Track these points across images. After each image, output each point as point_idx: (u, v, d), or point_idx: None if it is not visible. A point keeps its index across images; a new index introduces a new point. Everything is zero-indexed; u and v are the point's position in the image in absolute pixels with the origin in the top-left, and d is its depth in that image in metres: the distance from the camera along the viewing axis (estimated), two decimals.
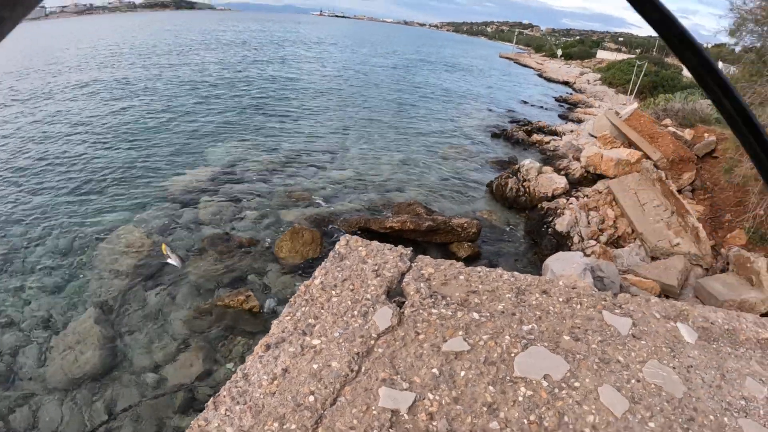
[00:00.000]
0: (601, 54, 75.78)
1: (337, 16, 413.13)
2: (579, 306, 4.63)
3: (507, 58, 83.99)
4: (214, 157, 14.37)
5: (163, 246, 8.39)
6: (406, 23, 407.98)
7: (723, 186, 10.19)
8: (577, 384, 3.71)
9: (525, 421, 3.18)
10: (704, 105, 16.92)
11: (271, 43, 59.01)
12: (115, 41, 50.16)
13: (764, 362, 5.09)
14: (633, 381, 3.97)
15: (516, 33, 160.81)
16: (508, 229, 11.22)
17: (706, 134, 12.92)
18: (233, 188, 12.08)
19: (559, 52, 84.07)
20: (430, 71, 45.66)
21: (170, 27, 78.98)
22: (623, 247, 9.17)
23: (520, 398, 3.36)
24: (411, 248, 4.83)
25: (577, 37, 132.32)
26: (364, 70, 39.54)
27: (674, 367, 4.35)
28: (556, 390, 3.57)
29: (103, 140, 15.48)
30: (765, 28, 9.40)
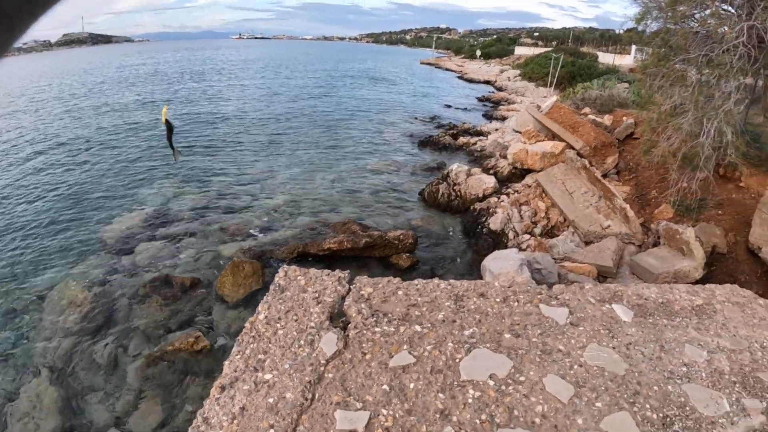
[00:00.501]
0: (519, 50, 78.25)
1: (256, 37, 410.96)
2: (516, 303, 4.79)
3: (428, 63, 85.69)
4: (146, 199, 14.06)
5: (165, 109, 8.45)
6: (325, 38, 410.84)
7: (645, 165, 10.73)
8: (522, 378, 3.85)
9: (477, 421, 3.32)
10: (620, 90, 17.79)
11: (191, 72, 58.05)
12: (29, 84, 48.11)
13: (701, 328, 5.38)
14: (576, 367, 4.13)
15: (435, 38, 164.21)
16: (444, 234, 11.43)
17: (624, 117, 13.58)
18: (169, 229, 11.90)
19: (478, 52, 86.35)
20: (353, 86, 46.05)
21: (87, 65, 76.14)
22: (557, 236, 9.52)
23: (470, 400, 3.49)
24: (348, 271, 4.90)
25: (494, 36, 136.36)
26: (287, 92, 39.48)
27: (614, 347, 4.55)
28: (503, 387, 3.70)
29: (25, 194, 14.79)
30: (669, 14, 9.97)
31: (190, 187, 15.03)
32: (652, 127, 10.00)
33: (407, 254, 10.17)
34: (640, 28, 11.05)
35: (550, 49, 60.81)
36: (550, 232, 9.80)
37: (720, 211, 9.16)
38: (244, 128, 24.21)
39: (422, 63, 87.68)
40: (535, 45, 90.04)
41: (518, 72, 48.05)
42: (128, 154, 19.35)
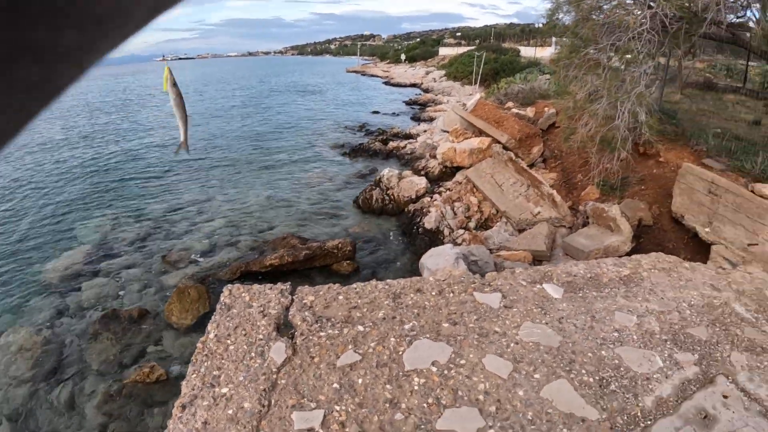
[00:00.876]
0: (443, 51, 79.81)
1: (180, 58, 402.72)
2: (452, 294, 5.06)
3: (354, 71, 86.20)
4: (83, 236, 13.73)
5: (167, 72, 5.54)
6: (250, 54, 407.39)
7: (569, 151, 11.29)
8: (462, 361, 4.11)
9: (425, 405, 3.60)
10: (542, 82, 18.53)
11: (114, 101, 56.15)
12: None
13: (629, 295, 5.78)
14: (512, 345, 4.41)
15: (359, 45, 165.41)
16: (382, 238, 11.70)
17: (546, 108, 14.23)
18: (111, 263, 11.73)
19: (403, 56, 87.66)
20: (281, 100, 45.90)
21: None
22: (491, 227, 9.92)
23: (416, 387, 3.76)
24: (289, 283, 5.11)
25: (418, 39, 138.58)
26: (215, 114, 38.91)
27: (547, 323, 4.85)
28: (446, 371, 3.97)
29: None
30: (580, 5, 10.55)
31: (127, 220, 14.80)
32: (569, 115, 10.57)
33: (348, 261, 10.41)
34: (538, 23, 11.67)
35: (473, 47, 62.26)
36: (485, 225, 10.20)
37: (643, 187, 9.79)
38: (176, 155, 23.84)
39: (348, 71, 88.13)
40: (459, 45, 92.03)
41: (443, 72, 49.08)
42: (59, 192, 18.69)
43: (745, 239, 8.06)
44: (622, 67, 9.55)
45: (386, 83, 58.03)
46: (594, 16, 10.23)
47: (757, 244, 7.93)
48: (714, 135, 10.32)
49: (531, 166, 11.78)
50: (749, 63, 20.70)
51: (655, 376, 4.53)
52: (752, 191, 8.18)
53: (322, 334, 4.23)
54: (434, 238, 10.18)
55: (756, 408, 4.55)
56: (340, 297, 4.82)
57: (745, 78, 20.88)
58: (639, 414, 4.03)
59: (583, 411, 3.85)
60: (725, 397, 4.54)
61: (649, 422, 3.99)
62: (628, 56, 9.50)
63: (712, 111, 13.73)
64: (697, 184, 8.67)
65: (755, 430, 4.25)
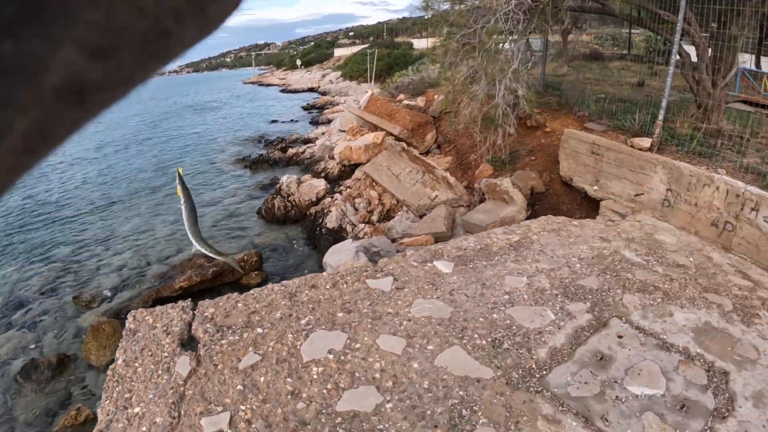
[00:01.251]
0: (338, 52, 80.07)
1: None
2: (345, 285, 5.26)
3: (251, 82, 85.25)
4: None
5: (179, 171, 5.21)
6: None
7: (461, 134, 11.75)
8: (358, 345, 4.30)
9: (325, 391, 3.81)
10: (431, 71, 19.03)
11: None
12: None
13: (519, 259, 6.12)
14: (405, 322, 4.62)
15: (254, 55, 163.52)
16: (288, 244, 11.85)
17: (436, 96, 14.69)
18: (24, 314, 11.29)
19: (299, 62, 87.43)
20: (179, 122, 44.65)
21: None
22: (394, 218, 10.21)
23: (315, 376, 3.96)
24: (190, 299, 5.18)
25: (312, 43, 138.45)
26: (111, 144, 37.36)
27: (438, 297, 5.09)
28: (342, 357, 4.16)
29: None
30: None
31: (32, 267, 14.20)
32: (451, 100, 11.03)
33: (256, 272, 10.56)
34: (426, 15, 12.09)
35: (366, 45, 62.89)
36: (387, 216, 10.51)
37: (533, 157, 10.35)
38: (75, 191, 22.87)
39: (245, 83, 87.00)
40: (353, 44, 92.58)
41: (339, 73, 49.40)
42: None
43: (631, 191, 8.66)
44: (500, 47, 10.03)
45: (283, 91, 57.84)
46: (463, 5, 10.69)
47: (643, 194, 8.54)
48: (596, 100, 10.99)
49: (427, 153, 12.19)
50: (632, 30, 22.09)
51: (547, 329, 4.86)
52: (631, 146, 8.80)
53: (223, 341, 4.36)
54: (337, 236, 10.37)
55: (652, 342, 4.96)
56: (239, 305, 4.94)
57: (629, 45, 22.26)
58: (534, 366, 4.32)
59: (478, 372, 4.10)
60: (620, 337, 4.92)
61: (544, 372, 4.29)
62: (501, 36, 9.99)
63: (597, 79, 14.59)
64: (580, 147, 9.24)
65: (653, 361, 4.64)
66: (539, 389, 4.05)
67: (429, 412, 3.68)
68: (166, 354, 4.36)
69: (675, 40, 8.42)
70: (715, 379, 4.49)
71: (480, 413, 3.75)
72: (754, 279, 6.73)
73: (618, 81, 14.26)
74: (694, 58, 9.58)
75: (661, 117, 8.73)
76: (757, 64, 16.84)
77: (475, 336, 4.50)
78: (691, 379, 4.44)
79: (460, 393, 3.88)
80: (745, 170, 8.03)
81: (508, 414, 3.77)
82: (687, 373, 4.50)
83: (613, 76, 15.48)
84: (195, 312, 4.93)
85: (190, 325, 4.72)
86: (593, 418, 3.85)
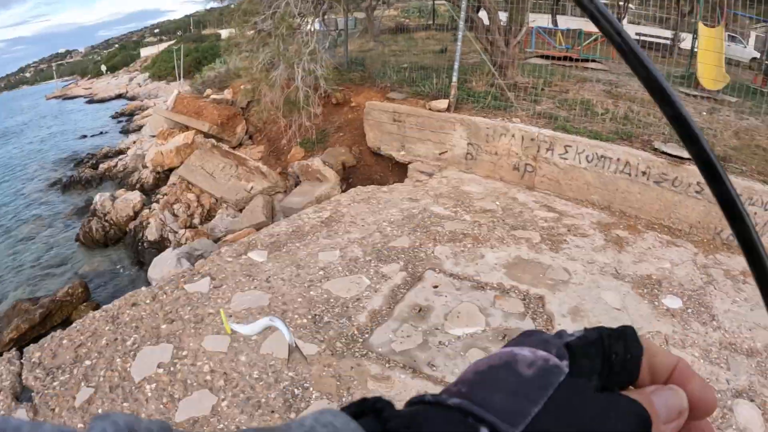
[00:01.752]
0: (145, 52, 76.14)
1: None
2: (165, 296, 5.27)
3: (55, 97, 78.65)
4: None
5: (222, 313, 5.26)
6: None
7: (268, 121, 11.92)
8: (185, 353, 4.37)
9: (161, 406, 3.84)
10: (236, 61, 18.87)
11: None
12: None
13: (331, 234, 6.43)
14: (229, 318, 4.75)
15: (56, 66, 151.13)
16: (113, 267, 11.27)
17: (242, 86, 14.66)
18: None
19: (104, 67, 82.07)
20: None
21: None
22: (215, 217, 10.22)
23: (150, 394, 3.99)
24: (14, 349, 4.93)
25: (117, 45, 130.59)
26: None
27: (255, 287, 5.27)
28: (172, 368, 4.22)
29: None
30: None
31: None
32: (251, 90, 11.17)
33: (84, 304, 9.97)
34: (221, 3, 12.00)
35: (173, 42, 60.57)
36: (209, 216, 10.46)
37: (341, 133, 10.78)
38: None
39: (49, 98, 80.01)
40: (160, 41, 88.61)
41: (147, 75, 47.30)
42: None
43: (436, 150, 9.33)
44: (285, 31, 10.24)
45: (90, 101, 54.04)
46: None
47: (446, 151, 9.23)
48: (398, 70, 11.58)
49: (239, 145, 12.24)
50: (436, 2, 23.36)
51: (365, 294, 5.21)
52: (429, 109, 9.45)
53: (55, 383, 4.21)
54: (161, 247, 10.11)
55: (467, 285, 5.47)
56: (65, 341, 4.78)
57: (434, 15, 23.49)
58: (356, 332, 4.64)
59: (303, 350, 4.36)
60: (435, 287, 5.38)
61: (367, 335, 4.62)
62: (294, 20, 10.22)
63: (402, 50, 15.32)
64: (382, 117, 9.77)
65: (470, 302, 5.13)
66: (364, 353, 4.37)
67: (264, 400, 3.86)
68: (2, 413, 4.16)
69: (462, 6, 9.12)
70: (531, 305, 5.09)
71: (311, 388, 3.99)
72: (559, 210, 7.62)
73: (422, 50, 15.11)
74: (487, 22, 10.44)
75: (455, 79, 9.44)
76: (554, 22, 18.82)
77: (296, 316, 4.74)
78: (508, 310, 5.00)
79: (290, 374, 4.10)
80: (538, 116, 9.00)
81: (338, 383, 4.04)
82: (504, 306, 5.06)
83: (418, 46, 16.36)
84: (22, 360, 4.73)
85: (20, 375, 4.53)
86: (420, 366, 4.20)
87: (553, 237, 6.65)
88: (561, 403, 0.39)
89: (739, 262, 6.76)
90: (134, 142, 20.17)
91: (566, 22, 17.80)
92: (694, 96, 11.51)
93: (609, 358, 0.44)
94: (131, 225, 11.58)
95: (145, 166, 14.28)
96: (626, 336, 0.46)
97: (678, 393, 0.45)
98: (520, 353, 0.42)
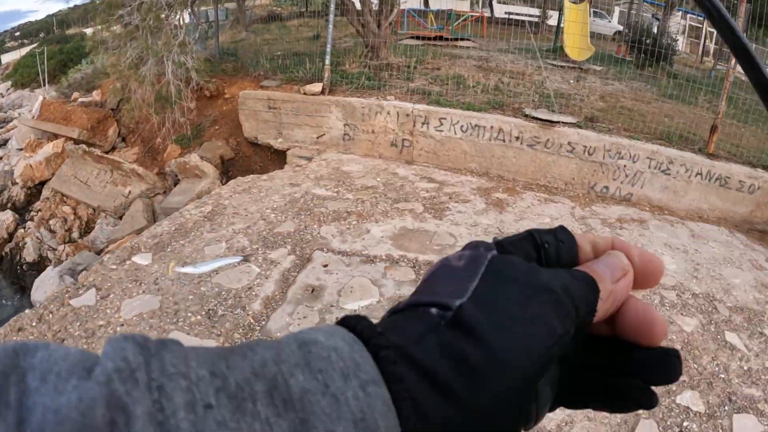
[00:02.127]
0: (6, 57, 70.86)
1: None
2: (51, 315, 5.01)
3: None
4: None
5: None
6: None
7: (141, 120, 11.66)
8: None
9: None
10: (104, 60, 18.13)
11: None
12: None
13: (215, 227, 6.48)
14: (118, 328, 4.55)
15: None
16: None
17: (111, 85, 14.15)
18: None
19: None
20: None
21: None
22: (94, 228, 9.93)
23: None
24: None
25: None
26: None
27: (144, 291, 5.20)
28: None
29: None
30: None
31: None
32: (120, 88, 10.88)
33: None
34: None
35: (36, 45, 57.06)
36: (88, 228, 10.12)
37: (217, 126, 10.72)
38: None
39: None
40: (22, 45, 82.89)
41: (10, 83, 44.43)
42: None
43: (313, 134, 9.48)
44: (153, 23, 10.01)
45: None
46: None
47: (324, 134, 9.40)
48: (271, 58, 11.58)
49: (113, 149, 11.87)
50: None
51: (256, 282, 5.31)
52: (304, 93, 9.57)
53: None
54: (41, 267, 9.61)
55: (357, 260, 5.67)
56: None
57: (307, 2, 23.54)
58: (252, 321, 4.72)
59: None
60: (325, 266, 5.55)
61: (263, 322, 4.73)
62: (164, 12, 10.02)
63: (275, 38, 15.29)
64: (257, 105, 9.79)
65: (362, 276, 5.34)
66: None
67: None
68: None
69: None
70: (422, 271, 5.35)
71: None
72: (439, 180, 7.98)
73: (295, 38, 15.17)
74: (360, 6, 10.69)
75: (327, 62, 9.60)
76: (425, 3, 19.37)
77: (189, 315, 4.76)
78: (400, 278, 5.24)
79: None
80: (413, 93, 9.37)
81: None
82: (395, 275, 5.29)
83: (291, 33, 16.41)
84: None
85: None
86: None
87: (435, 206, 6.99)
88: (497, 269, 0.44)
89: (613, 211, 7.48)
90: (0, 159, 19.02)
91: (437, 3, 18.38)
92: (561, 66, 12.39)
93: (542, 247, 0.48)
94: (6, 248, 10.94)
95: (14, 183, 13.50)
96: (556, 230, 0.50)
97: (615, 254, 0.48)
98: (451, 256, 0.49)
